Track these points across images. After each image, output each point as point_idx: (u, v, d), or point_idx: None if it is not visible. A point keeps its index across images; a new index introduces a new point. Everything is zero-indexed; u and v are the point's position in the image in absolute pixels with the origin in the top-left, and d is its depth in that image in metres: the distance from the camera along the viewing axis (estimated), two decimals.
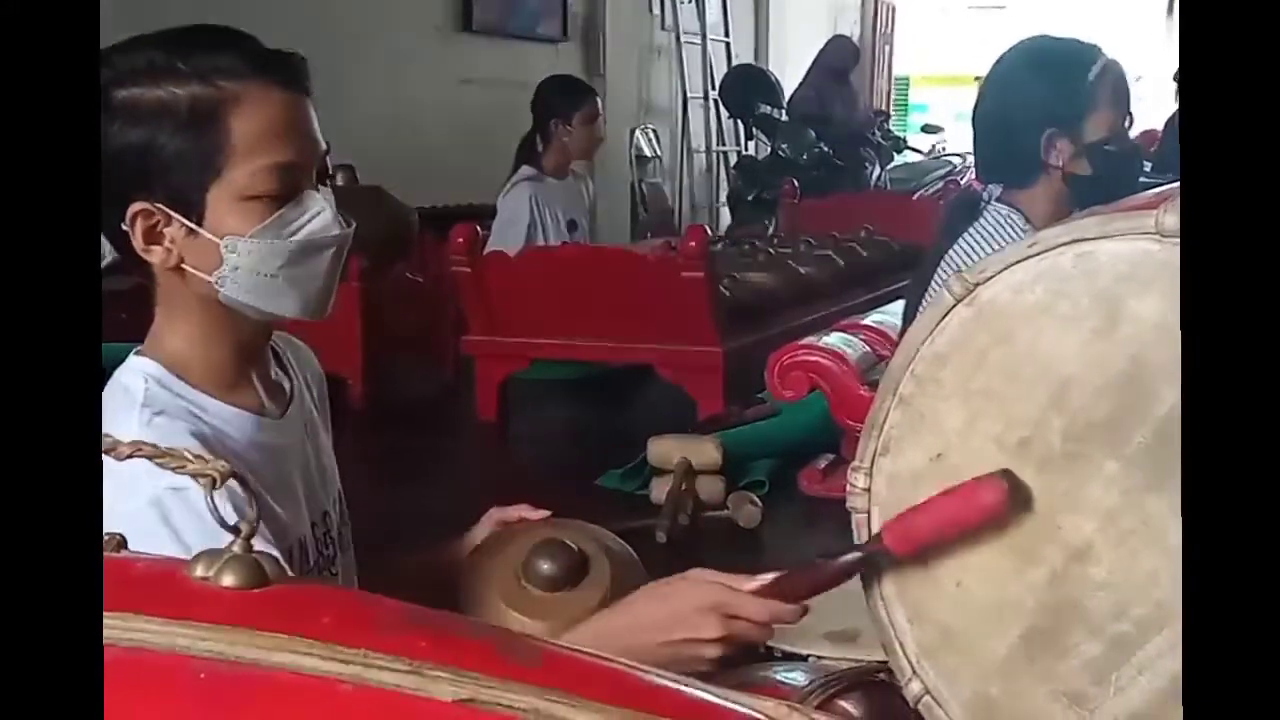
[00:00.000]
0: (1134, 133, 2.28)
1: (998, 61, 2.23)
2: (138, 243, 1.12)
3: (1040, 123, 2.11)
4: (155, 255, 1.13)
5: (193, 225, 1.11)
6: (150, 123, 1.09)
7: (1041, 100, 2.12)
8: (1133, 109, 2.19)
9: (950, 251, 2.15)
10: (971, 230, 2.15)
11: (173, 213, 1.11)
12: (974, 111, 2.25)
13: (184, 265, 1.13)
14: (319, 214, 1.14)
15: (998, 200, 2.19)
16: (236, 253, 1.11)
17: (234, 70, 1.10)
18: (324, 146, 1.18)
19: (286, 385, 1.26)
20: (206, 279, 1.13)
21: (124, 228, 1.11)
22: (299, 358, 1.32)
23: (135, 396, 1.11)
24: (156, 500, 1.01)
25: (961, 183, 6.73)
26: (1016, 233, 2.09)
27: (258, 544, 0.85)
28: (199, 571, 0.54)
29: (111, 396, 1.12)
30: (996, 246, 2.07)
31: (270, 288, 1.14)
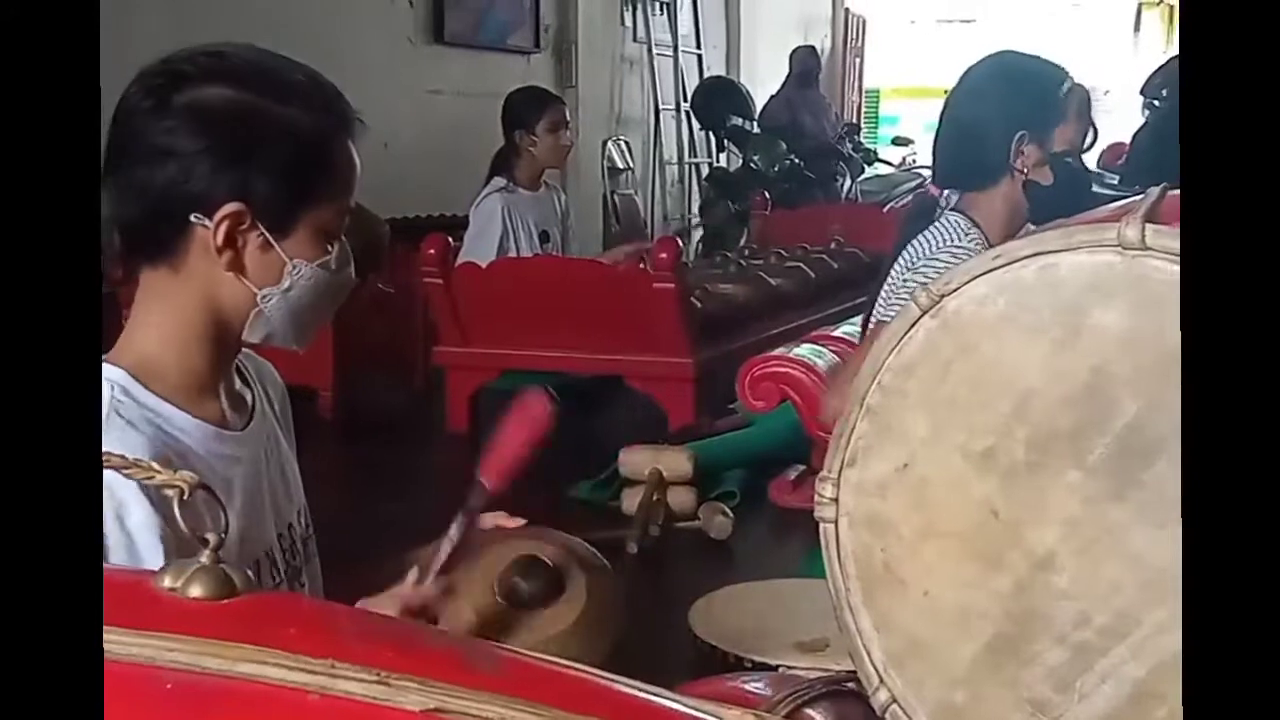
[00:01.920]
0: (1101, 146, 2.33)
1: (967, 72, 2.28)
2: (216, 240, 1.14)
3: (1012, 126, 2.17)
4: (225, 257, 1.16)
5: (273, 241, 1.16)
6: (256, 134, 1.14)
7: (1015, 104, 2.18)
8: (1097, 125, 2.24)
9: (902, 254, 2.18)
10: (924, 234, 2.19)
11: (262, 225, 1.16)
12: (940, 118, 2.29)
13: (237, 272, 1.17)
14: (350, 260, 1.24)
15: (952, 209, 2.23)
16: (298, 275, 1.18)
17: (338, 116, 1.20)
18: None
19: (249, 398, 1.27)
20: (254, 291, 1.17)
21: (194, 219, 1.13)
22: (260, 371, 1.34)
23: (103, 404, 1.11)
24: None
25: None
26: (961, 235, 2.13)
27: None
28: (166, 582, 0.54)
29: None
30: (941, 247, 2.11)
31: (301, 316, 1.21)
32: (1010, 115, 2.17)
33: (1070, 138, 2.19)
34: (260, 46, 1.20)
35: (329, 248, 1.20)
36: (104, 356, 1.17)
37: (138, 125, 1.13)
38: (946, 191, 2.37)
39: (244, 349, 1.29)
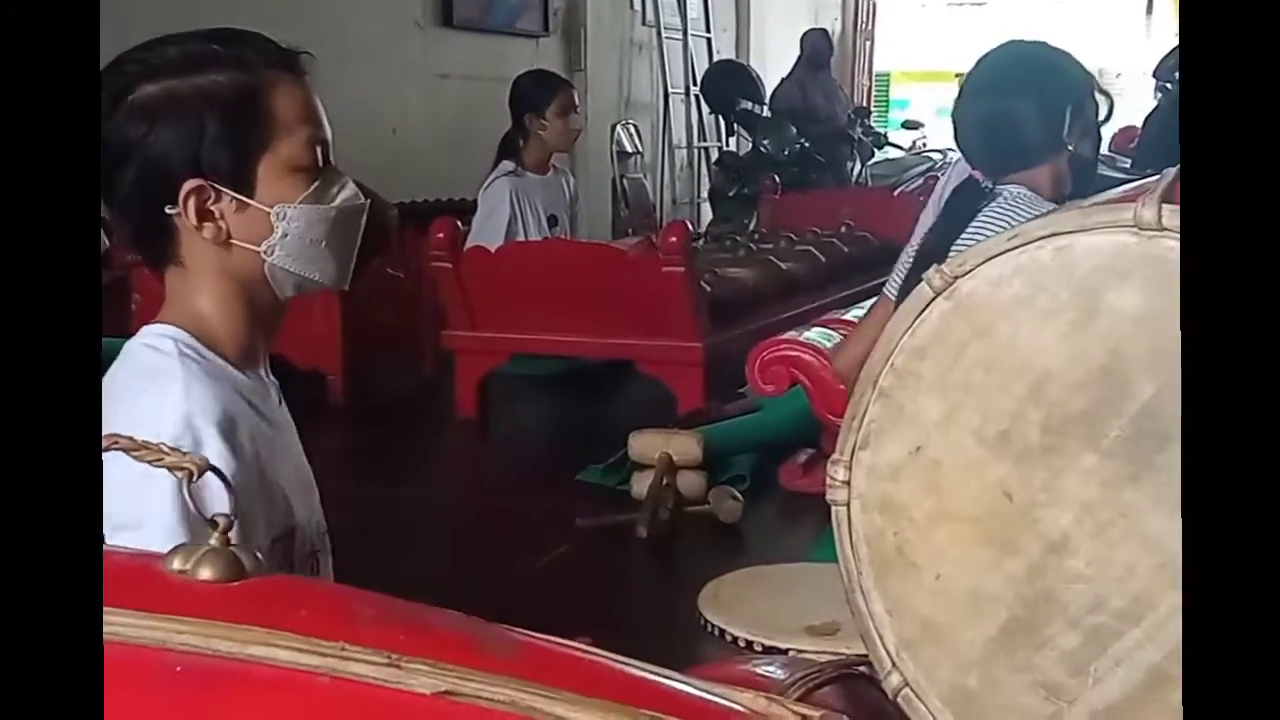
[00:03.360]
0: (1113, 128, 2.38)
1: (981, 64, 2.30)
2: (190, 221, 1.19)
3: (1060, 102, 2.23)
4: (207, 232, 1.20)
5: (244, 198, 1.19)
6: (196, 108, 1.18)
7: (1057, 81, 2.25)
8: (1111, 96, 2.32)
9: (969, 231, 2.20)
10: (990, 209, 2.20)
11: (224, 188, 1.19)
12: (974, 110, 2.31)
13: (233, 240, 1.20)
14: (347, 184, 1.26)
15: (1003, 183, 2.25)
16: (286, 219, 1.21)
17: (265, 60, 1.21)
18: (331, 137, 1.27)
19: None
20: (255, 249, 1.21)
21: (168, 211, 1.18)
22: None
23: (168, 351, 1.17)
24: None
25: (943, 177, 6.74)
26: (1036, 207, 2.15)
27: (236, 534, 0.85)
28: (176, 565, 0.54)
29: (133, 360, 1.18)
30: (1021, 221, 2.12)
31: (315, 254, 1.23)
32: (1054, 93, 2.24)
33: (1094, 110, 2.27)
34: (180, 34, 1.23)
35: (310, 183, 1.22)
36: (155, 321, 1.23)
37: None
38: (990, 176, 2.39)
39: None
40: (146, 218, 1.20)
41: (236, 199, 1.20)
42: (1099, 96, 2.30)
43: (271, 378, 1.31)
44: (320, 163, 1.24)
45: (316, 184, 1.23)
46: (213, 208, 1.19)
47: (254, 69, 1.21)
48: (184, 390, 1.13)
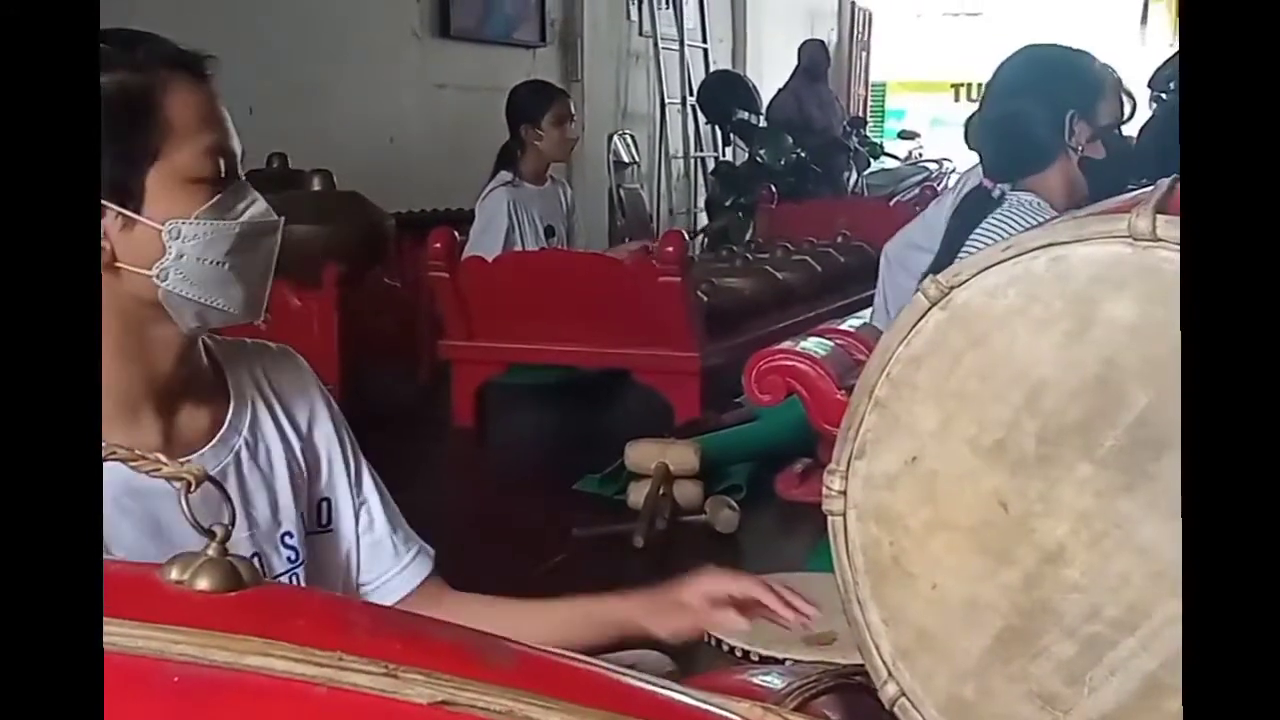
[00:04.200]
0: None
1: (999, 69, 2.34)
2: None
3: (1060, 106, 2.25)
4: None
5: (130, 213, 1.06)
6: None
7: (1059, 85, 2.28)
8: (1134, 97, 2.34)
9: (973, 238, 2.21)
10: (994, 216, 2.22)
11: (108, 203, 1.04)
12: (983, 114, 2.35)
13: (118, 263, 1.06)
14: (256, 200, 1.12)
15: (1013, 190, 2.27)
16: (180, 238, 1.07)
17: (159, 59, 1.08)
18: (242, 150, 1.14)
19: (225, 410, 1.19)
20: (145, 274, 1.07)
21: None
22: (273, 375, 1.25)
23: None
24: None
25: (938, 188, 6.76)
26: (1040, 214, 2.16)
27: None
28: (173, 575, 0.54)
29: None
30: (1021, 229, 2.13)
31: (215, 277, 1.09)
32: (1057, 96, 2.26)
33: (1113, 111, 2.29)
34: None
35: (209, 196, 1.08)
36: None
37: None
38: (999, 185, 2.41)
39: (262, 343, 1.23)
40: None
41: (121, 214, 1.05)
42: (1123, 98, 2.30)
43: (227, 397, 1.18)
44: (223, 174, 1.09)
45: (217, 198, 1.08)
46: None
47: (145, 69, 1.07)
48: None
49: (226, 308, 1.11)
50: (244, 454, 1.19)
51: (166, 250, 1.07)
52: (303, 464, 1.25)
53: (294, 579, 1.22)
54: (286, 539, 1.22)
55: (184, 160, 1.07)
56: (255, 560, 1.18)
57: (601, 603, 1.30)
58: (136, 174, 1.06)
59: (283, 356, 1.29)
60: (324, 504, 1.29)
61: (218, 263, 1.08)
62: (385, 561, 1.32)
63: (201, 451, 1.15)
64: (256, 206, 1.12)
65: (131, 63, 1.07)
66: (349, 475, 1.30)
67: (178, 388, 1.15)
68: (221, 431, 1.18)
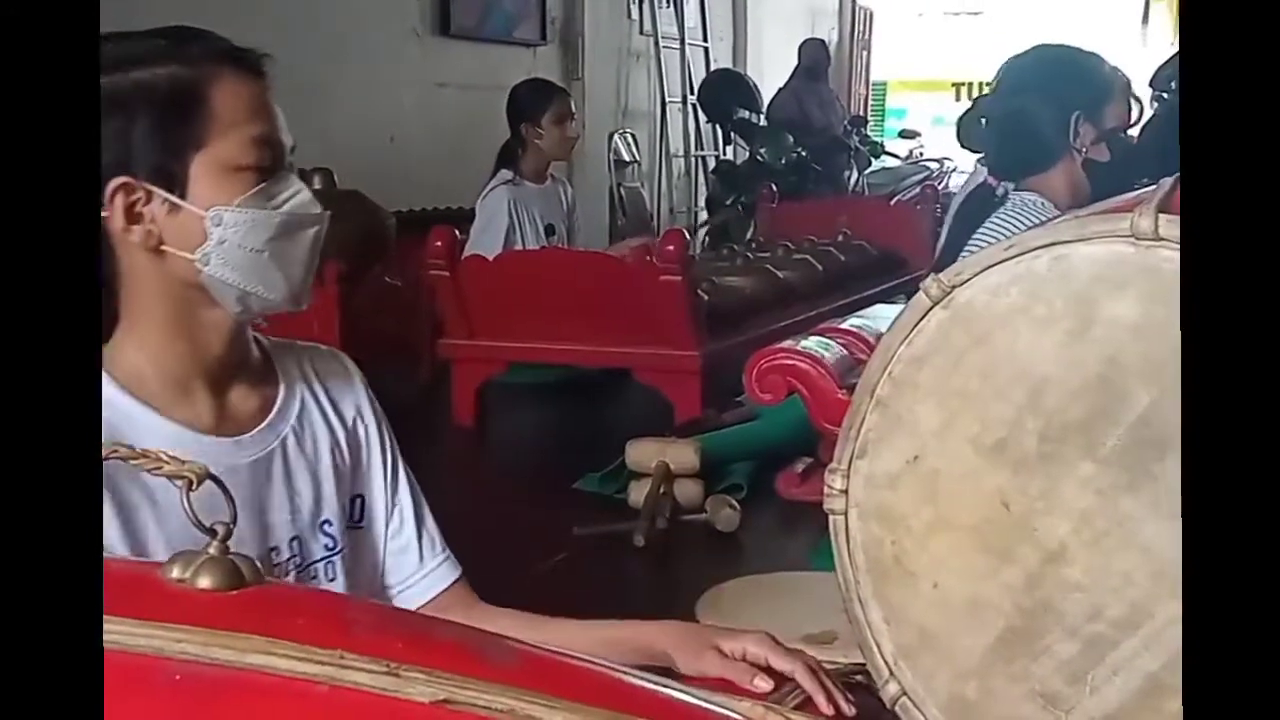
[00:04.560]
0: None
1: (1008, 66, 2.34)
2: (118, 222, 1.10)
3: (1066, 107, 2.25)
4: (135, 235, 1.10)
5: (175, 199, 1.10)
6: (129, 105, 1.10)
7: (1066, 86, 2.28)
8: (1142, 101, 2.34)
9: (976, 237, 2.21)
10: (997, 215, 2.22)
11: (154, 187, 1.10)
12: (989, 111, 2.36)
13: (164, 246, 1.11)
14: (299, 191, 1.16)
15: (1017, 189, 2.27)
16: (222, 224, 1.11)
17: (210, 55, 1.13)
18: (292, 143, 1.18)
19: (275, 399, 1.23)
20: (189, 258, 1.11)
21: (103, 215, 1.09)
22: (321, 370, 1.30)
23: None
24: None
25: (939, 187, 6.76)
26: (1042, 214, 2.16)
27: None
28: (175, 573, 0.54)
29: None
30: (1025, 228, 2.13)
31: (257, 264, 1.13)
32: (1063, 98, 2.26)
33: (1120, 114, 2.30)
34: (127, 31, 1.15)
35: (252, 185, 1.12)
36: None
37: None
38: (1003, 183, 2.41)
39: (314, 345, 1.28)
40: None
41: (168, 200, 1.10)
42: (1131, 102, 2.31)
43: (277, 387, 1.23)
44: (269, 165, 1.13)
45: (260, 186, 1.12)
46: (143, 210, 1.10)
47: (196, 63, 1.12)
48: None
49: (267, 294, 1.15)
50: (291, 440, 1.23)
51: (209, 236, 1.11)
52: (346, 456, 1.29)
53: (330, 567, 1.25)
54: (326, 526, 1.25)
55: (229, 149, 1.11)
56: (295, 544, 1.23)
57: (636, 630, 1.31)
58: (180, 161, 1.10)
59: (330, 355, 1.34)
60: (358, 500, 1.31)
61: (258, 250, 1.12)
62: (410, 566, 1.34)
63: (252, 433, 1.20)
64: (300, 197, 1.16)
65: (183, 57, 1.12)
66: (385, 475, 1.34)
67: (229, 370, 1.19)
68: (270, 417, 1.22)
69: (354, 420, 1.32)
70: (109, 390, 1.10)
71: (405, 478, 1.36)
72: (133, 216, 1.10)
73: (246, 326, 1.21)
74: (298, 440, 1.24)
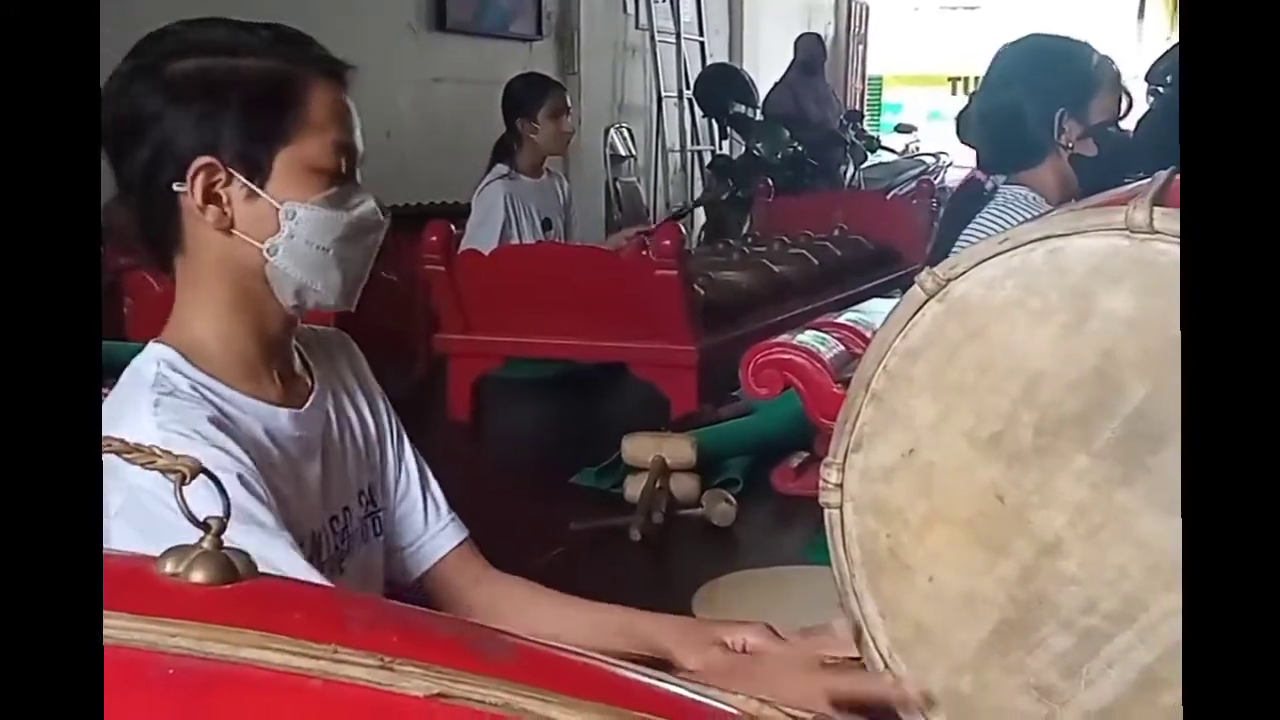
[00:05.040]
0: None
1: (997, 59, 2.33)
2: (195, 200, 1.14)
3: (1050, 104, 2.23)
4: (209, 214, 1.15)
5: (255, 187, 1.15)
6: (222, 89, 1.14)
7: (1050, 82, 2.26)
8: (1130, 94, 2.31)
9: (966, 232, 2.20)
10: (987, 210, 2.21)
11: (236, 173, 1.14)
12: (978, 104, 2.34)
13: (235, 230, 1.16)
14: (367, 199, 1.22)
15: (1007, 184, 2.26)
16: (295, 219, 1.16)
17: (307, 58, 1.19)
18: (363, 150, 1.23)
19: (309, 380, 1.28)
20: (257, 245, 1.16)
21: (176, 188, 1.14)
22: (331, 349, 1.36)
23: (145, 378, 1.13)
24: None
25: (935, 182, 6.76)
26: (1032, 209, 2.15)
27: (271, 534, 0.87)
28: (168, 568, 0.54)
29: (122, 383, 1.15)
30: (1015, 223, 2.12)
31: (320, 262, 1.18)
32: (1048, 93, 2.24)
33: (1108, 107, 2.27)
34: (234, 19, 1.20)
35: (327, 187, 1.17)
36: (156, 338, 1.19)
37: (111, 114, 1.14)
38: (993, 177, 2.40)
39: (313, 330, 1.32)
40: (153, 196, 1.15)
41: (247, 187, 1.15)
42: (1110, 92, 2.28)
43: (306, 370, 1.27)
44: (343, 170, 1.19)
45: (334, 189, 1.18)
46: (221, 191, 1.15)
47: (294, 63, 1.18)
48: (152, 422, 1.08)
49: (323, 291, 1.20)
50: (333, 412, 1.30)
51: (280, 228, 1.16)
52: (370, 424, 1.36)
53: (376, 523, 1.32)
54: (362, 497, 1.32)
55: (311, 150, 1.16)
56: (350, 509, 1.29)
57: (635, 618, 1.33)
58: (266, 153, 1.15)
59: (334, 333, 1.41)
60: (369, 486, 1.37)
61: (323, 248, 1.18)
62: (417, 527, 1.40)
63: (305, 407, 1.25)
64: (367, 205, 1.22)
65: (283, 55, 1.18)
66: (391, 438, 1.39)
67: (287, 353, 1.26)
68: (315, 391, 1.27)
69: (366, 391, 1.38)
70: (180, 360, 1.15)
71: (409, 442, 1.42)
72: (210, 196, 1.15)
73: (297, 319, 1.26)
74: (337, 413, 1.29)
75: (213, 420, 1.11)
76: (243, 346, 1.20)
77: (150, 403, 1.10)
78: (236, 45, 1.16)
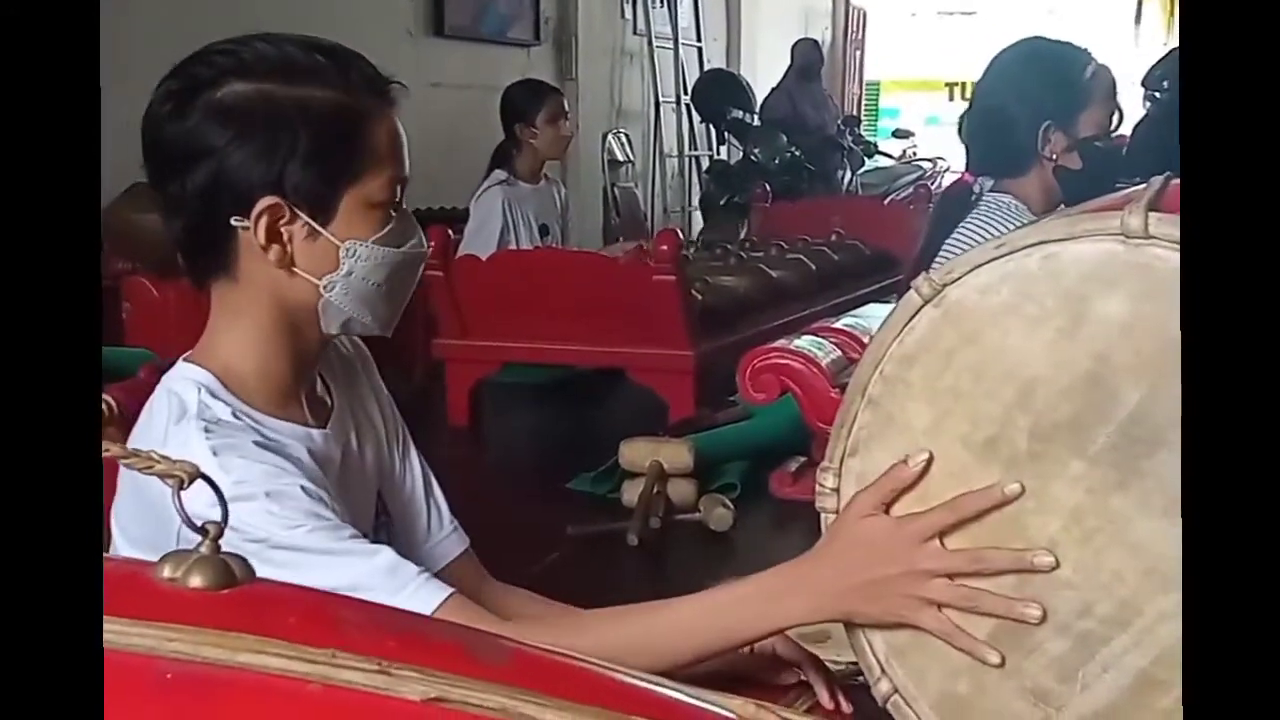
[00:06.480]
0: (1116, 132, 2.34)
1: (994, 60, 2.31)
2: (258, 238, 1.11)
3: (1038, 115, 2.20)
4: (271, 253, 1.12)
5: (318, 226, 1.12)
6: (290, 122, 1.10)
7: (1040, 94, 2.22)
8: (1122, 107, 2.28)
9: (951, 239, 2.20)
10: (971, 218, 2.21)
11: (301, 213, 1.12)
12: (970, 105, 2.32)
13: (295, 268, 1.14)
14: (418, 232, 1.20)
15: (993, 190, 2.25)
16: (354, 256, 1.14)
17: (368, 84, 1.16)
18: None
19: (329, 399, 1.26)
20: (315, 281, 1.14)
21: (235, 222, 1.11)
22: (356, 369, 1.34)
23: (188, 407, 1.11)
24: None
25: (932, 187, 6.77)
26: (1016, 218, 2.14)
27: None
28: (166, 573, 0.54)
29: (161, 405, 1.13)
30: (998, 232, 2.11)
31: (372, 297, 1.17)
32: (1036, 105, 2.21)
33: (1098, 121, 2.23)
34: (278, 34, 1.17)
35: (385, 222, 1.15)
36: (187, 357, 1.17)
37: (164, 134, 1.11)
38: (980, 179, 2.39)
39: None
40: (208, 226, 1.12)
41: (311, 226, 1.12)
42: (1102, 104, 2.25)
43: (325, 390, 1.25)
44: (398, 201, 1.17)
45: (391, 225, 1.16)
46: (283, 229, 1.12)
47: (356, 92, 1.14)
48: (205, 447, 1.07)
49: (371, 323, 1.20)
50: (352, 426, 1.28)
51: (340, 266, 1.14)
52: (382, 430, 1.34)
53: (386, 533, 1.30)
54: (376, 507, 1.31)
55: (374, 187, 1.14)
56: (372, 520, 1.28)
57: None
58: (335, 193, 1.13)
59: (354, 348, 1.37)
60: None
61: (378, 285, 1.16)
62: (420, 534, 1.37)
63: (331, 424, 1.23)
64: (418, 238, 1.20)
65: (346, 84, 1.14)
66: (398, 440, 1.37)
67: (314, 375, 1.24)
68: (335, 406, 1.25)
69: (379, 401, 1.36)
70: (219, 386, 1.13)
71: (414, 448, 1.40)
72: (273, 235, 1.12)
73: (331, 342, 1.25)
74: (356, 428, 1.28)
75: (258, 445, 1.09)
76: (279, 373, 1.18)
77: (199, 429, 1.08)
78: (295, 67, 1.12)
